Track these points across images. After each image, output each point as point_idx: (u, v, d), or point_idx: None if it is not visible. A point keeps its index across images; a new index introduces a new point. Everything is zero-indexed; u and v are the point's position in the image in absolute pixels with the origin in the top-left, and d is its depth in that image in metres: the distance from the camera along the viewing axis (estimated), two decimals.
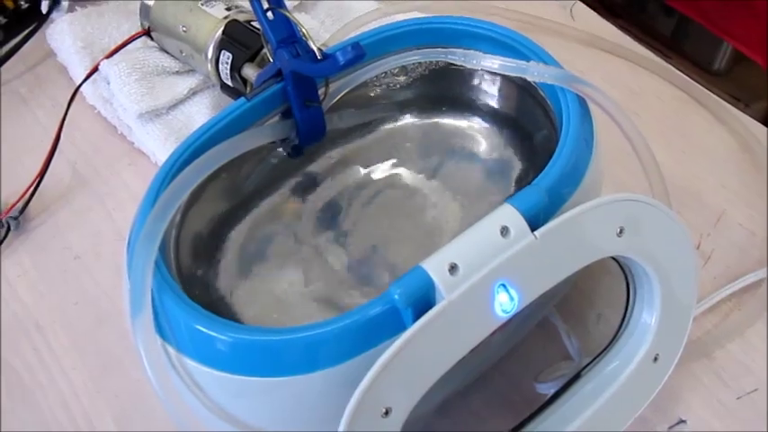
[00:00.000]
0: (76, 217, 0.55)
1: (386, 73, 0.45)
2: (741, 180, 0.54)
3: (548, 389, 0.42)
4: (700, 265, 0.50)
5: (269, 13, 0.39)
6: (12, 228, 0.54)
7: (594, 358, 0.39)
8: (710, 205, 0.53)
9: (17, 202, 0.54)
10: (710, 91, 0.73)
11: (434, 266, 0.31)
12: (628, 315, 0.38)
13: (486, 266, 0.31)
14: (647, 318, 0.37)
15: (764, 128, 0.57)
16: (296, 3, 0.62)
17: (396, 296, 0.31)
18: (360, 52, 0.34)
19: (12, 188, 0.56)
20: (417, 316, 0.31)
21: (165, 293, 0.33)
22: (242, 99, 0.39)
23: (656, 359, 0.38)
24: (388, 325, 0.32)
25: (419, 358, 0.31)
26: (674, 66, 0.73)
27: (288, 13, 0.38)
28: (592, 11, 0.66)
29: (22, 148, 0.59)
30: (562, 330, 0.45)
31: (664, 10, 1.18)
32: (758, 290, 0.48)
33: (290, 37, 0.38)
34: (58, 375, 0.48)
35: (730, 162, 0.55)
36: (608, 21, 0.73)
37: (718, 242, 0.51)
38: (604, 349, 0.39)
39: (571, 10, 0.65)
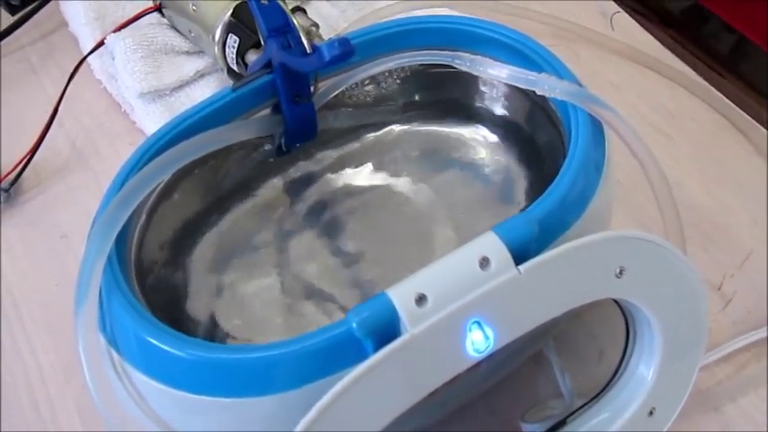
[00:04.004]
0: (69, 194, 0.53)
1: (387, 73, 0.41)
2: None
3: (534, 429, 0.39)
4: (719, 308, 0.46)
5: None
6: (1, 200, 0.52)
7: (583, 405, 0.36)
8: (738, 242, 0.48)
9: (9, 173, 0.52)
10: (765, 114, 0.68)
11: (400, 295, 0.28)
12: (624, 363, 0.35)
13: (458, 300, 0.28)
14: (644, 370, 0.34)
15: None
16: None
17: (354, 324, 0.28)
18: (347, 48, 0.31)
19: (8, 159, 0.54)
20: (380, 346, 0.28)
21: (113, 295, 0.31)
22: (227, 89, 0.36)
23: (651, 413, 0.35)
24: (347, 352, 0.29)
25: (374, 394, 0.28)
26: (728, 85, 0.68)
27: (281, 2, 0.35)
28: (634, 21, 0.62)
29: (24, 119, 0.57)
30: (556, 366, 0.41)
31: (726, 25, 1.11)
32: None
33: (283, 26, 0.35)
34: (28, 357, 0.46)
35: (766, 196, 0.50)
36: (659, 31, 0.69)
37: (743, 284, 0.47)
38: (595, 397, 0.35)
39: (611, 19, 0.61)
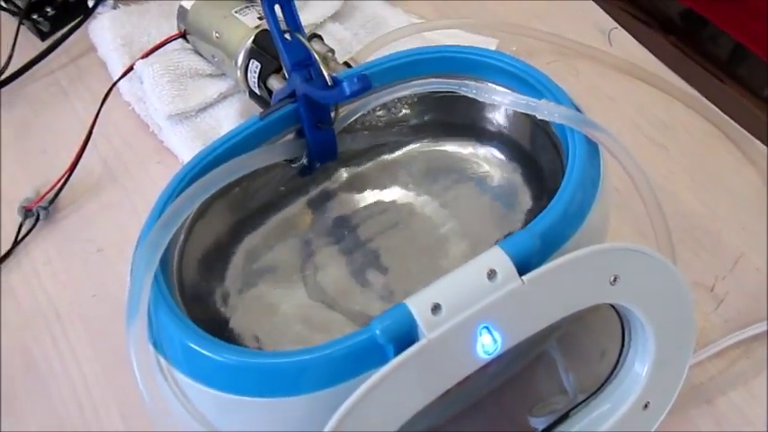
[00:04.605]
0: (103, 211, 0.57)
1: (396, 100, 0.45)
2: (764, 223, 0.53)
3: (541, 423, 0.42)
4: (712, 308, 0.49)
5: (286, 35, 0.39)
6: (41, 217, 0.56)
7: (584, 399, 0.39)
8: (729, 247, 0.52)
9: (48, 192, 0.56)
10: (760, 117, 0.71)
11: (417, 305, 0.31)
12: (621, 361, 0.38)
13: (469, 309, 0.31)
14: (639, 368, 0.37)
15: None
16: (333, 11, 0.62)
17: (377, 332, 0.31)
18: (366, 84, 0.35)
19: (45, 177, 0.58)
20: (399, 351, 0.31)
21: (160, 307, 0.34)
22: (255, 117, 0.40)
23: (646, 406, 0.38)
24: (371, 356, 0.32)
25: (396, 393, 0.31)
26: (727, 89, 0.71)
27: (303, 39, 0.38)
28: (630, 36, 0.65)
29: (58, 139, 0.61)
30: (560, 365, 0.44)
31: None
32: None
33: (305, 60, 0.39)
34: (72, 365, 0.49)
35: (755, 203, 0.54)
36: (660, 37, 0.72)
37: (733, 286, 0.50)
38: (594, 392, 0.39)
39: (609, 35, 0.64)
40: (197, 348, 0.33)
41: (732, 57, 1.15)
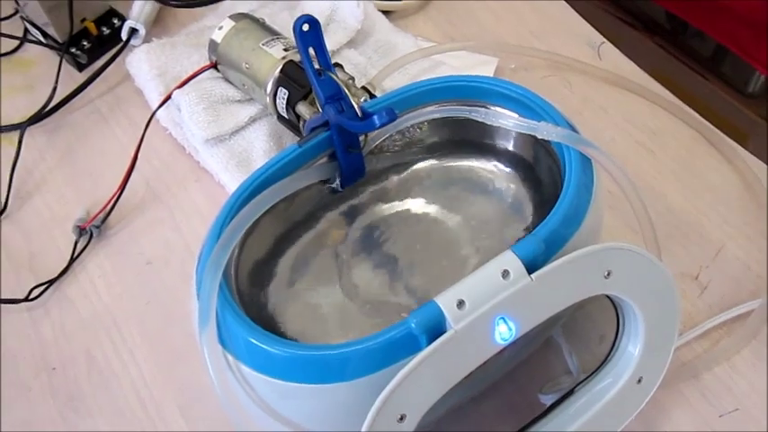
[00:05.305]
0: (149, 227, 0.63)
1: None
2: (742, 217, 0.59)
3: (549, 399, 0.48)
4: (696, 294, 0.55)
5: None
6: (94, 235, 0.62)
7: (586, 377, 0.45)
8: (712, 239, 0.58)
9: (99, 212, 0.62)
10: (744, 112, 0.77)
11: (445, 302, 0.38)
12: (617, 343, 0.44)
13: (488, 303, 0.38)
14: (632, 348, 0.43)
15: (765, 167, 0.62)
16: (347, 39, 0.68)
17: (413, 325, 0.38)
18: (392, 117, 0.41)
19: (93, 198, 0.64)
20: (430, 341, 0.38)
21: (227, 312, 0.40)
22: (295, 145, 0.46)
23: (639, 381, 0.44)
24: (406, 346, 0.38)
25: (429, 376, 0.38)
26: (709, 86, 0.76)
27: (335, 76, 0.45)
28: (618, 51, 0.71)
29: (102, 163, 0.67)
30: (565, 349, 0.51)
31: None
32: (747, 319, 0.53)
33: (337, 94, 0.45)
34: (132, 366, 0.56)
35: (734, 200, 0.60)
36: (646, 38, 0.77)
37: (716, 274, 0.56)
38: (595, 371, 0.45)
39: (598, 49, 0.71)
40: (259, 344, 0.39)
41: (715, 55, 1.21)
